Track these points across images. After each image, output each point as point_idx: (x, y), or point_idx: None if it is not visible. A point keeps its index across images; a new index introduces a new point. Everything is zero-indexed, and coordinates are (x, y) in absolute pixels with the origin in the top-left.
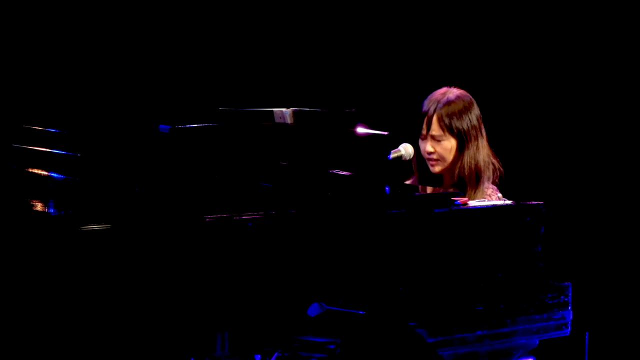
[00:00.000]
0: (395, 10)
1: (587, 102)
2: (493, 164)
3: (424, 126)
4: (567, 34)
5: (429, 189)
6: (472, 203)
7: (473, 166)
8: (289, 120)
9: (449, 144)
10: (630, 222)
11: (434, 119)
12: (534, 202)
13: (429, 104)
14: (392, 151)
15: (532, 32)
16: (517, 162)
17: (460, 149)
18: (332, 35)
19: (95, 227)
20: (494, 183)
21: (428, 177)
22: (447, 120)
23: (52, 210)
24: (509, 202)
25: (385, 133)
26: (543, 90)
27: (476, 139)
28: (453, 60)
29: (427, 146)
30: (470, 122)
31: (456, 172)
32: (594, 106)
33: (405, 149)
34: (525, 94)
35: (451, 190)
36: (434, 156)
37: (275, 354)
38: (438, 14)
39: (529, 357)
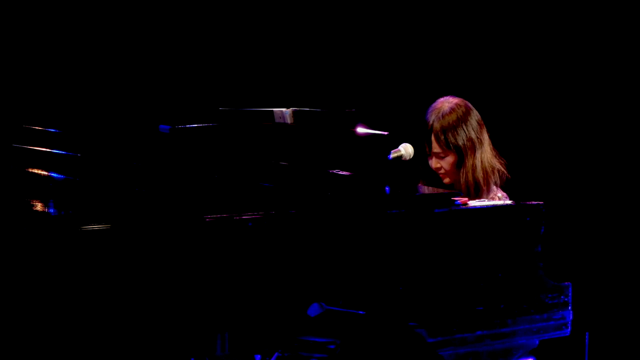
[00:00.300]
0: (397, 10)
1: (587, 103)
2: (498, 168)
3: (427, 144)
4: (567, 35)
5: (430, 189)
6: (472, 203)
7: (471, 179)
8: (289, 120)
9: (451, 159)
10: (630, 223)
11: (433, 137)
12: (534, 202)
13: (429, 117)
14: (392, 151)
15: (533, 34)
16: (518, 162)
17: (460, 162)
18: (332, 35)
19: (95, 227)
20: (500, 186)
21: (432, 180)
22: (442, 137)
23: (52, 210)
24: (509, 202)
25: (385, 133)
26: (543, 91)
27: (473, 150)
28: (454, 61)
29: (433, 163)
30: (467, 134)
31: (457, 186)
32: (594, 107)
33: (405, 149)
34: (526, 95)
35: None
36: (441, 171)
37: (275, 354)
38: (440, 13)
39: (529, 357)
